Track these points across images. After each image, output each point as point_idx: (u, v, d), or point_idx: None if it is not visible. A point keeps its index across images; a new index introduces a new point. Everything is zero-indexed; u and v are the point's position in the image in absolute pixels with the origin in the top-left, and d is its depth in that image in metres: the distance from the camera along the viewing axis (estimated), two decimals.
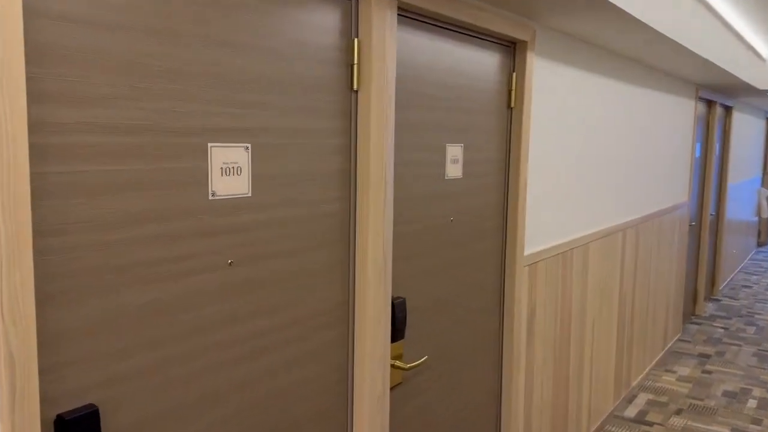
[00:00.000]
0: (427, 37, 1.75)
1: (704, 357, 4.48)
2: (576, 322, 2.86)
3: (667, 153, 4.12)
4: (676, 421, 3.46)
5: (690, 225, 4.98)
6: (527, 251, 2.35)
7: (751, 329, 5.14)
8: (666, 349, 4.51)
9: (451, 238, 1.94)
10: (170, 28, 1.09)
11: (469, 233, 2.03)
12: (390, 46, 1.53)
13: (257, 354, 1.31)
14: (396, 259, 1.71)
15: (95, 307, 1.02)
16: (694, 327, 5.20)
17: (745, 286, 6.65)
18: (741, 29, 3.64)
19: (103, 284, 1.03)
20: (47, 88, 0.93)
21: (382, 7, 1.49)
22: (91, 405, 1.03)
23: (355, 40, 1.48)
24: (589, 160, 2.88)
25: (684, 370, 4.22)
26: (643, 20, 2.22)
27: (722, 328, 5.19)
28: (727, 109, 6.02)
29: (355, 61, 1.48)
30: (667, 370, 4.22)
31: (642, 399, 3.75)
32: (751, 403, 3.70)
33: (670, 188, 4.26)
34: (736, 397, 3.80)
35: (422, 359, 1.76)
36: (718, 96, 5.28)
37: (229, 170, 1.23)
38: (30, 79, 0.91)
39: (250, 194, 1.27)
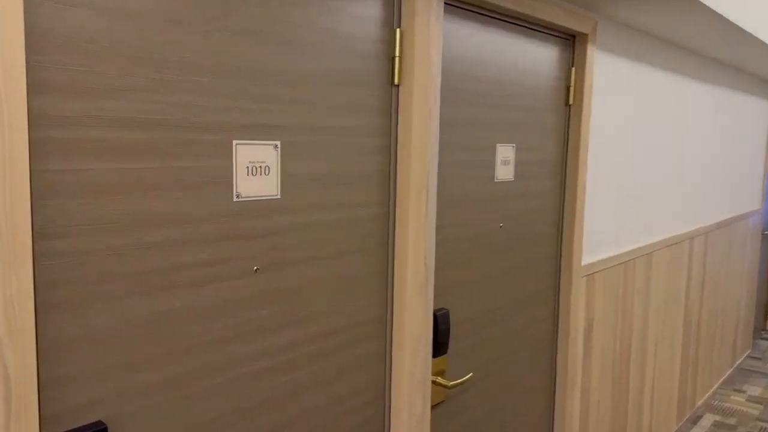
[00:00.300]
0: (477, 28, 1.62)
1: None
2: (637, 337, 2.65)
3: (739, 156, 3.83)
4: None
5: (762, 234, 4.64)
6: (585, 261, 2.17)
7: None
8: (735, 366, 4.20)
9: (500, 246, 1.80)
10: (192, 15, 1.00)
11: (520, 241, 1.89)
12: (435, 37, 1.41)
13: (284, 369, 1.21)
14: (439, 267, 1.59)
15: (105, 316, 0.94)
16: (765, 343, 4.84)
17: None
18: None
19: (113, 292, 0.95)
20: (51, 78, 0.85)
21: None
22: (100, 423, 0.95)
23: (397, 30, 1.36)
24: (654, 162, 2.67)
25: (754, 390, 3.91)
26: (727, 17, 2.02)
27: None
28: None
29: (397, 53, 1.37)
30: (735, 390, 3.92)
31: (708, 420, 3.48)
32: None
33: (741, 195, 3.96)
34: None
35: (467, 376, 1.62)
36: None
37: (256, 170, 1.13)
38: (31, 68, 0.83)
39: (278, 196, 1.17)
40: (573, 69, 2.02)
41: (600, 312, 2.31)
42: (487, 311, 1.78)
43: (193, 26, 1.01)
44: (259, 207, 1.14)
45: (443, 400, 1.64)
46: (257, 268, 1.15)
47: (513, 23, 1.74)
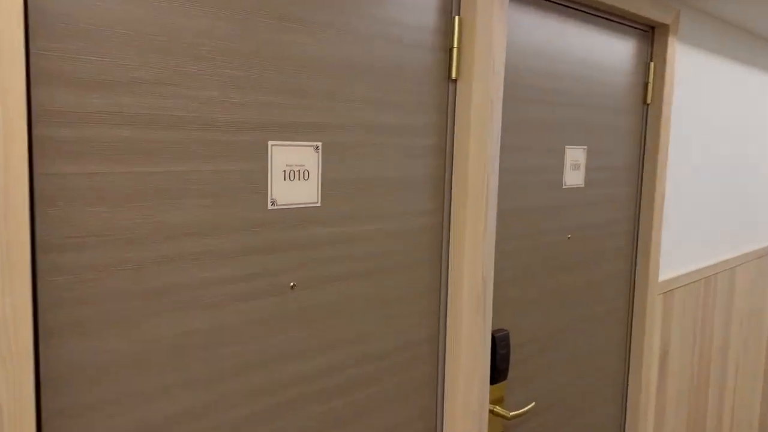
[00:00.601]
0: (544, 17, 1.45)
1: None
2: (717, 361, 2.40)
3: None
4: None
5: None
6: (662, 276, 1.96)
7: None
8: None
9: (567, 259, 1.62)
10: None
11: (590, 254, 1.70)
12: (499, 26, 1.25)
13: (323, 397, 1.08)
14: (499, 283, 1.42)
15: (118, 339, 0.83)
16: None
17: None
18: None
19: (128, 312, 0.84)
20: (59, 69, 0.75)
21: None
22: None
23: (456, 17, 1.21)
24: (741, 168, 2.42)
25: None
26: None
27: None
28: None
29: (455, 44, 1.22)
30: None
31: None
32: None
33: None
34: None
35: (529, 406, 1.45)
36: None
37: (294, 174, 1.01)
38: (35, 57, 0.73)
39: (319, 203, 1.04)
40: (652, 64, 1.81)
41: (677, 333, 2.08)
42: (552, 333, 1.60)
43: (227, 11, 0.89)
44: (296, 216, 1.02)
45: None
46: (294, 284, 1.03)
47: (585, 12, 1.56)
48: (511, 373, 1.49)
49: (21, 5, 0.69)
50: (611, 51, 1.67)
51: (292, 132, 0.99)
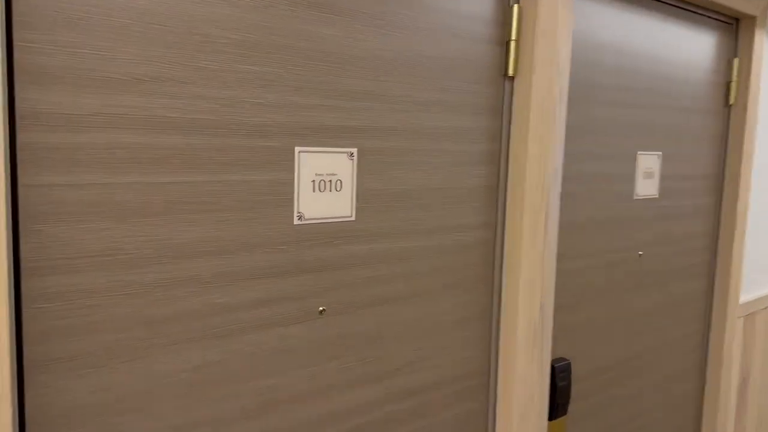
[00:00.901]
0: (615, 8, 1.28)
1: None
2: None
3: None
4: None
5: None
6: (743, 298, 1.75)
7: None
8: None
9: (638, 279, 1.44)
10: None
11: (663, 272, 1.51)
12: (564, 17, 1.10)
13: None
14: (559, 306, 1.27)
15: (119, 375, 0.73)
16: None
17: None
18: None
19: (131, 343, 0.73)
20: (48, 64, 0.65)
21: None
22: None
23: (515, 6, 1.07)
24: None
25: None
26: None
27: None
28: None
29: (513, 37, 1.07)
30: None
31: None
32: None
33: None
34: None
35: None
36: None
37: (325, 185, 0.88)
38: (19, 51, 0.63)
39: (353, 218, 0.92)
40: (736, 60, 1.61)
41: (759, 359, 1.87)
42: (619, 362, 1.43)
43: None
44: (327, 231, 0.89)
45: None
46: (323, 309, 0.90)
47: (660, 1, 1.39)
48: (571, 407, 1.33)
49: None
50: (689, 46, 1.48)
51: (322, 136, 0.87)
